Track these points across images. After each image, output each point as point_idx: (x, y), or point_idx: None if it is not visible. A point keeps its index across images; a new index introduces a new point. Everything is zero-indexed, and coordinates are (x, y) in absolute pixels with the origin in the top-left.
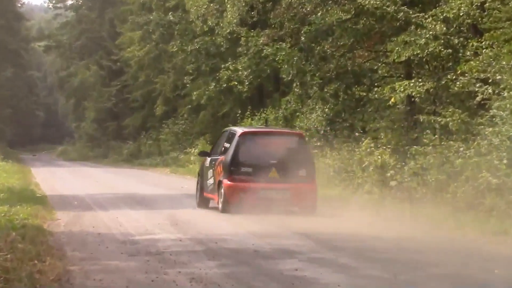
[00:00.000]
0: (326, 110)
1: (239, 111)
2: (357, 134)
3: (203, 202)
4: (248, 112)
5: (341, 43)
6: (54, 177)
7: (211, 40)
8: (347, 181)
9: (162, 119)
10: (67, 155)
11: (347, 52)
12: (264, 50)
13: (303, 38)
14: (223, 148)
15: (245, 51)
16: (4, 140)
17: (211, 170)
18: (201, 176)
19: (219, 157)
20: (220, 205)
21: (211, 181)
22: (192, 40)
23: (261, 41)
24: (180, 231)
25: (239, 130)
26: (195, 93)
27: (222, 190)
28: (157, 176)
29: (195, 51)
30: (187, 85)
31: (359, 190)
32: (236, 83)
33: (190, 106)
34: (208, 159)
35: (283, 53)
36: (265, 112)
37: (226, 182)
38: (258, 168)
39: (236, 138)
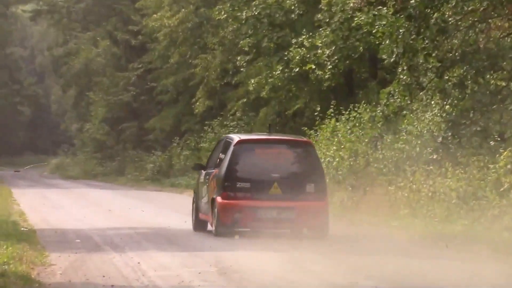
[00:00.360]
0: (447, 107)
1: (318, 108)
2: (492, 142)
3: (198, 224)
4: (331, 110)
5: (469, 8)
6: (47, 204)
7: (277, 2)
8: (477, 211)
9: (204, 119)
10: (65, 171)
11: (479, 22)
12: (356, 18)
13: (413, 1)
14: (218, 160)
15: (327, 20)
16: None
17: (205, 187)
18: (197, 194)
19: (213, 170)
20: (213, 228)
21: (205, 199)
22: (248, 2)
23: (351, 4)
24: (232, 284)
25: (235, 138)
26: (252, 81)
27: (216, 210)
28: None
29: (253, 19)
30: (241, 69)
31: (495, 225)
32: (313, 66)
33: (245, 100)
34: (203, 173)
35: (384, 22)
36: (356, 109)
37: (219, 199)
38: (257, 183)
39: (232, 147)
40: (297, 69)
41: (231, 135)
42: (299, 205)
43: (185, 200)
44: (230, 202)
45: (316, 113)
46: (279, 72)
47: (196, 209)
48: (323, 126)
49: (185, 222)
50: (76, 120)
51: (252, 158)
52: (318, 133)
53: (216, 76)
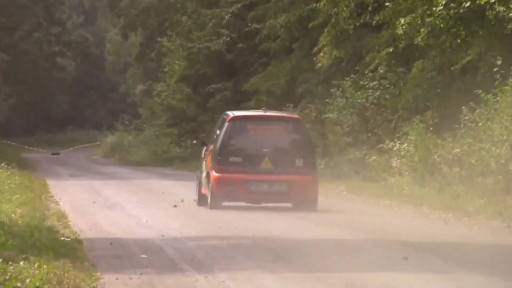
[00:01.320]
0: None
1: (499, 61)
2: None
3: (201, 199)
4: None
5: None
6: (98, 202)
7: None
8: None
9: (331, 78)
10: (125, 154)
11: None
12: None
13: None
14: (215, 136)
15: None
16: None
17: (204, 162)
18: (199, 169)
19: (211, 146)
20: (208, 201)
21: (204, 174)
22: None
23: None
24: None
25: (230, 114)
26: (402, 21)
27: (210, 183)
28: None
29: None
30: (386, 3)
31: None
32: None
33: (391, 50)
34: (204, 149)
35: None
36: None
37: (213, 173)
38: (249, 157)
39: (226, 124)
40: (468, 4)
41: (228, 112)
42: (289, 178)
43: None
44: (223, 175)
45: (495, 69)
46: (441, 8)
47: (199, 184)
48: (506, 88)
49: (303, 229)
50: (142, 79)
51: (244, 134)
52: (498, 98)
53: (348, 13)
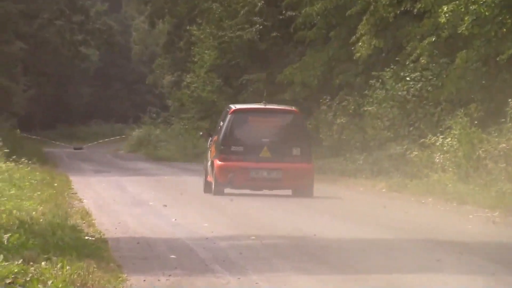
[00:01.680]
0: None
1: None
2: None
3: (207, 186)
4: None
5: None
6: (124, 199)
7: None
8: None
9: (370, 69)
10: (153, 149)
11: None
12: None
13: None
14: (219, 127)
15: None
16: (12, 114)
17: (209, 152)
18: (205, 159)
19: (215, 137)
20: (213, 188)
21: (209, 162)
22: None
23: None
24: None
25: (232, 107)
26: (445, 9)
27: (214, 171)
28: (361, 199)
29: None
30: None
31: None
32: None
33: (434, 40)
34: (209, 139)
35: None
36: None
37: (217, 162)
38: (249, 147)
39: (228, 116)
40: None
41: (231, 105)
42: (286, 166)
43: (341, 193)
44: (225, 163)
45: None
46: None
47: (205, 173)
48: None
49: (340, 228)
50: (170, 69)
51: (245, 125)
52: None
53: (388, 1)
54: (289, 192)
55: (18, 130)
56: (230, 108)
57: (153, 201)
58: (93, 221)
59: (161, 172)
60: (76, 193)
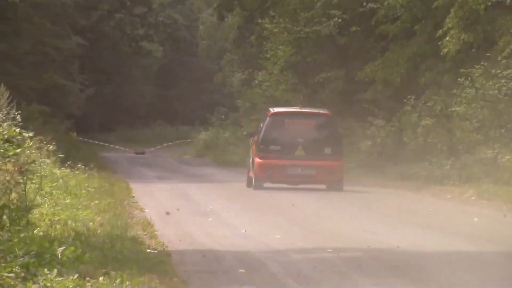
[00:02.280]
0: None
1: None
2: None
3: (249, 182)
4: None
5: None
6: (189, 208)
7: None
8: None
9: (459, 66)
10: (222, 153)
11: None
12: None
13: None
14: (259, 128)
15: None
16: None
17: (250, 150)
18: (249, 157)
19: (255, 137)
20: (253, 182)
21: (250, 160)
22: None
23: None
24: None
25: (271, 110)
26: None
27: (254, 168)
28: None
29: None
30: None
31: None
32: None
33: None
34: (251, 139)
35: None
36: None
37: (257, 159)
38: (286, 146)
39: (267, 118)
40: None
41: (270, 108)
42: (319, 164)
43: (425, 201)
44: (264, 161)
45: None
46: None
47: (248, 169)
48: None
49: (425, 239)
50: (240, 66)
51: (282, 127)
52: None
53: None
54: (356, 199)
55: (74, 133)
56: (268, 111)
57: (220, 210)
58: (155, 233)
59: (230, 179)
60: (137, 202)
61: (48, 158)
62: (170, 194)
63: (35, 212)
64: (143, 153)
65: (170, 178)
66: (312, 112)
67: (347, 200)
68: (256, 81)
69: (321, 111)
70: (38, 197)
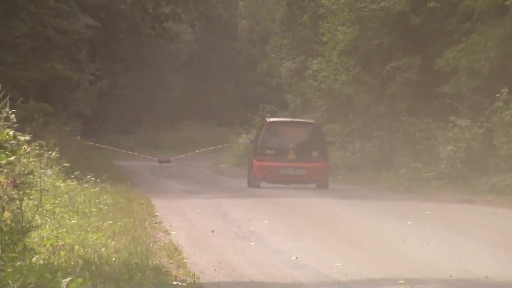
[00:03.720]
0: None
1: None
2: None
3: (249, 182)
4: None
5: None
6: (226, 230)
7: None
8: None
9: None
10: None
11: None
12: None
13: None
14: (257, 135)
15: None
16: (74, 115)
17: (249, 153)
18: (248, 160)
19: (254, 142)
20: (252, 182)
21: (249, 162)
22: None
23: None
24: None
25: (267, 120)
26: None
27: (252, 169)
28: None
29: None
30: None
31: None
32: None
33: None
34: (251, 143)
35: None
36: None
37: (254, 162)
38: (279, 150)
39: (264, 126)
40: None
41: (266, 118)
42: (307, 165)
43: None
44: (261, 163)
45: None
46: None
47: (248, 170)
48: None
49: None
50: (290, 52)
51: (276, 134)
52: None
53: None
54: (434, 217)
55: (79, 137)
56: (265, 120)
57: (266, 231)
58: (184, 261)
59: (278, 193)
60: (161, 222)
61: (50, 167)
62: (202, 212)
63: (34, 235)
64: (168, 161)
65: (203, 192)
66: (302, 122)
67: (421, 218)
68: (309, 71)
69: (310, 121)
70: (37, 217)
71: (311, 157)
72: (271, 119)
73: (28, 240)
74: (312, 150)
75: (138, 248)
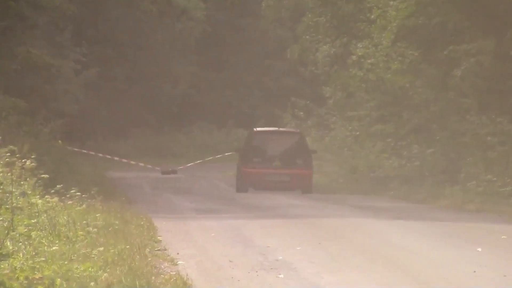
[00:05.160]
0: None
1: None
2: None
3: (237, 187)
4: None
5: None
6: (248, 259)
7: None
8: None
9: None
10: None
11: None
12: None
13: None
14: (245, 143)
15: None
16: (55, 113)
17: (238, 161)
18: (237, 167)
19: (242, 150)
20: (237, 187)
21: (237, 169)
22: None
23: None
24: None
25: (254, 130)
26: None
27: (240, 175)
28: None
29: None
30: None
31: None
32: None
33: None
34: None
35: None
36: None
37: (243, 169)
38: (265, 158)
39: (251, 136)
40: None
41: (254, 128)
42: (292, 172)
43: None
44: (248, 170)
45: None
46: None
47: (237, 177)
48: None
49: None
50: (328, 34)
51: (263, 142)
52: None
53: None
54: (503, 245)
55: (60, 141)
56: (252, 130)
57: (298, 261)
58: None
59: (313, 211)
60: (165, 249)
61: (24, 180)
62: (217, 237)
63: (4, 266)
64: (174, 172)
65: (218, 211)
66: (287, 131)
67: (495, 244)
68: (353, 57)
69: (294, 131)
70: (8, 242)
71: (296, 164)
72: (258, 129)
73: None
74: (297, 158)
75: (137, 283)
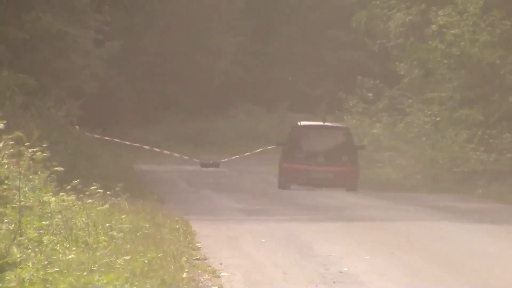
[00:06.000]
0: None
1: None
2: None
3: (279, 184)
4: None
5: None
6: (307, 269)
7: None
8: None
9: None
10: (367, 168)
11: None
12: None
13: None
14: (288, 137)
15: None
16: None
17: (281, 156)
18: (279, 162)
19: (285, 145)
20: (281, 184)
21: (280, 165)
22: None
23: None
24: None
25: (298, 123)
26: None
27: (282, 171)
28: None
29: None
30: None
31: None
32: None
33: None
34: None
35: None
36: None
37: (284, 164)
38: (309, 154)
39: (294, 130)
40: None
41: (299, 122)
42: (336, 169)
43: None
44: (291, 166)
45: None
46: None
47: (279, 173)
48: None
49: None
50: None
51: (307, 137)
52: None
53: None
54: None
55: (77, 126)
56: (296, 124)
57: (366, 273)
58: None
59: (383, 213)
60: (206, 259)
61: (35, 173)
62: (268, 244)
63: (10, 277)
64: (216, 165)
65: (269, 212)
66: (332, 126)
67: None
68: (433, 27)
69: (340, 125)
70: (14, 249)
71: (341, 161)
72: (302, 123)
73: (0, 285)
74: (342, 155)
75: None
